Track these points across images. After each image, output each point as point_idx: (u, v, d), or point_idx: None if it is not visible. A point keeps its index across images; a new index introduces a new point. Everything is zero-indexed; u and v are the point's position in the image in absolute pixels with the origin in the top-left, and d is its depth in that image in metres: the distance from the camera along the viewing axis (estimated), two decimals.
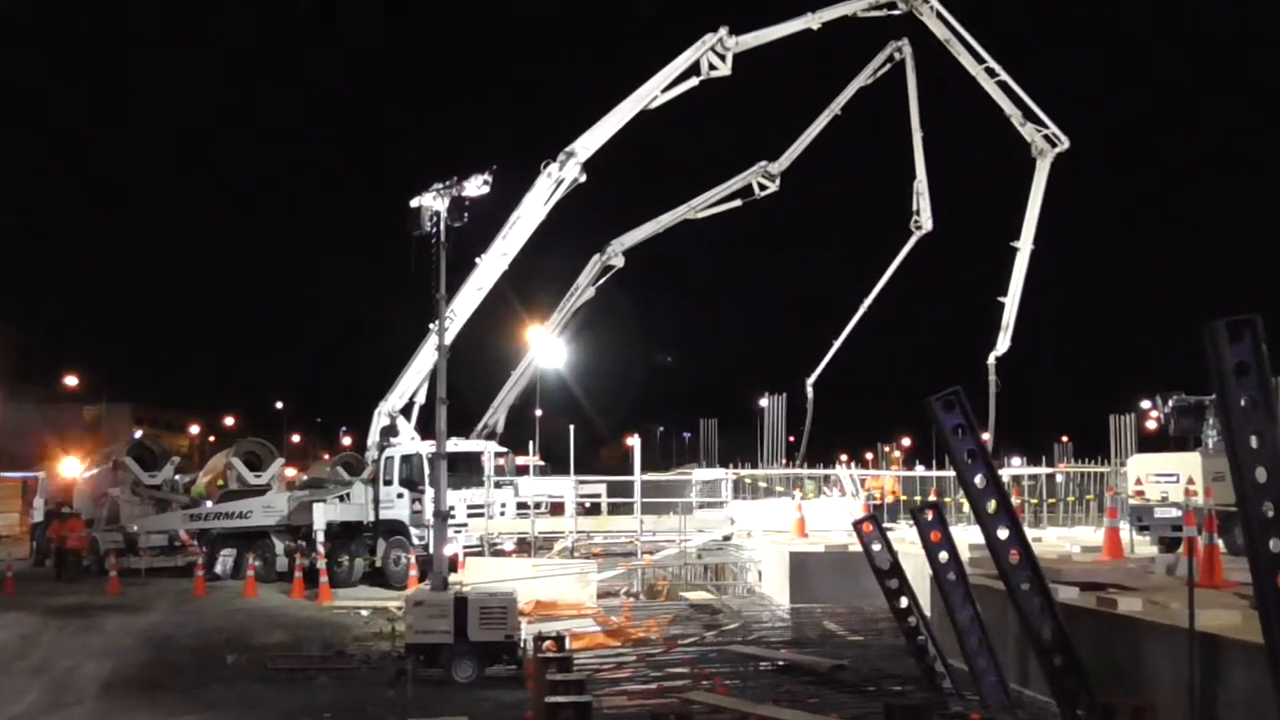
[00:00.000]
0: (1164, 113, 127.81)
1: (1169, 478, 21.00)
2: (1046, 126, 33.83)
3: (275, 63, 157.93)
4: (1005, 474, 31.52)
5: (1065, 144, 33.80)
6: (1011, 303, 34.86)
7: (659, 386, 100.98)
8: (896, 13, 34.50)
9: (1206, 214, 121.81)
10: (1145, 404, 35.57)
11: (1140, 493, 21.83)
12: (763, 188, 36.51)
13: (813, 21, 32.80)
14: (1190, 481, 20.03)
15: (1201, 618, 10.54)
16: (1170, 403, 22.62)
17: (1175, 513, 20.20)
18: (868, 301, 40.11)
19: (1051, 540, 24.74)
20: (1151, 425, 32.27)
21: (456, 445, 27.97)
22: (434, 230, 20.41)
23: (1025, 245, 34.58)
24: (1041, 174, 34.03)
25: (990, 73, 33.79)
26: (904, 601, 13.69)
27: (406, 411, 30.78)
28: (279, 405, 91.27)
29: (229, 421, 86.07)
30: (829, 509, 30.03)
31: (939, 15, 34.01)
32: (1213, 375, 7.68)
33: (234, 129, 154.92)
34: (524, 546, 26.32)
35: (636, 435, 28.48)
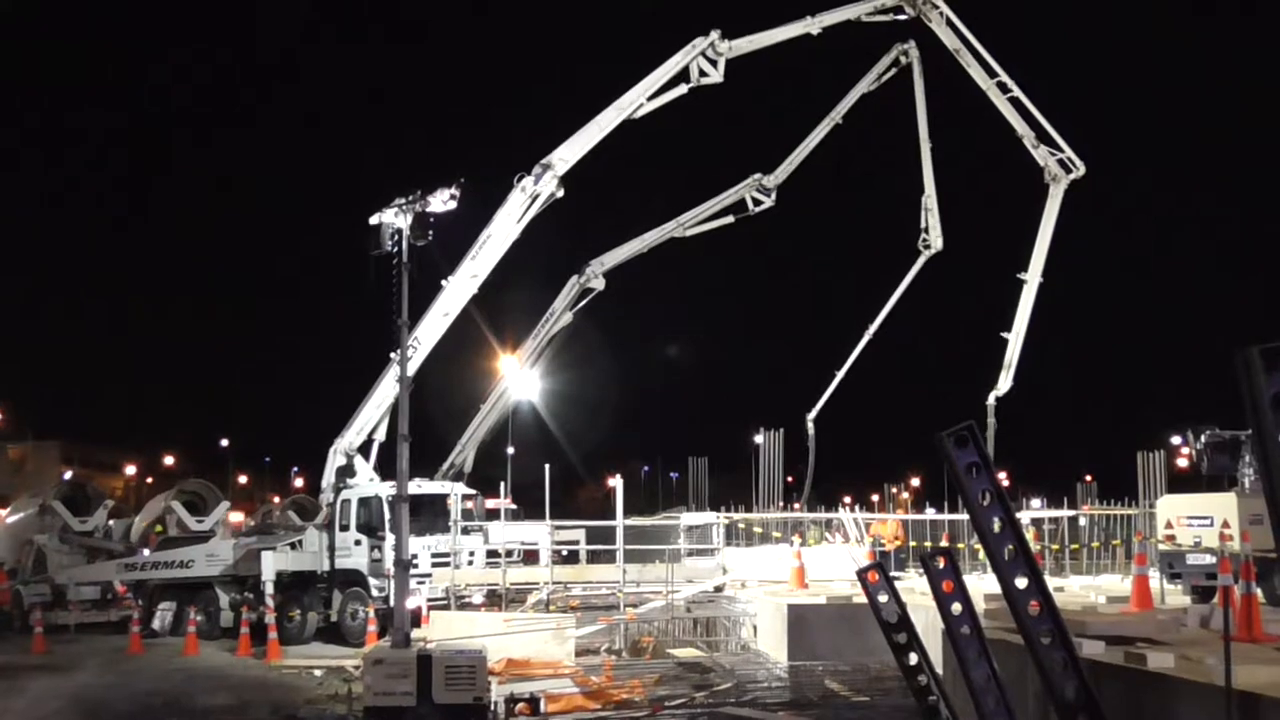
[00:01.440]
0: (1195, 130, 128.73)
1: (1202, 520, 21.07)
2: (1062, 150, 34.10)
3: (215, 67, 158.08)
4: (1024, 517, 31.64)
5: (1081, 170, 34.06)
6: (1016, 339, 35.09)
7: (645, 420, 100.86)
8: (902, 18, 34.81)
9: (1241, 235, 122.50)
10: (1175, 440, 35.84)
11: (1171, 537, 21.90)
12: (757, 203, 36.70)
13: (813, 26, 33.02)
14: (1225, 524, 20.12)
15: (1239, 674, 10.55)
16: (1203, 438, 22.75)
17: (1209, 559, 20.28)
18: (873, 328, 40.30)
19: (1075, 589, 24.77)
20: (1183, 463, 32.43)
21: (420, 487, 27.89)
22: (395, 250, 20.42)
23: (1033, 278, 34.82)
24: (1054, 202, 34.31)
25: (1003, 88, 34.06)
26: (913, 658, 13.64)
27: (365, 450, 30.69)
28: (224, 443, 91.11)
29: (168, 461, 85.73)
30: (831, 557, 30.01)
31: (949, 22, 34.29)
32: (1247, 408, 7.72)
33: (170, 147, 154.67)
34: (494, 599, 26.21)
35: (619, 475, 28.48)
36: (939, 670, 14.60)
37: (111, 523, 36.69)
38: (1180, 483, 30.49)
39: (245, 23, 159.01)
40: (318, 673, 22.92)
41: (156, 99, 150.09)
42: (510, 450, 44.40)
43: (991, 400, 35.29)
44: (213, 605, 29.81)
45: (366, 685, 15.75)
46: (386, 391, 29.54)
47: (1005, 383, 35.28)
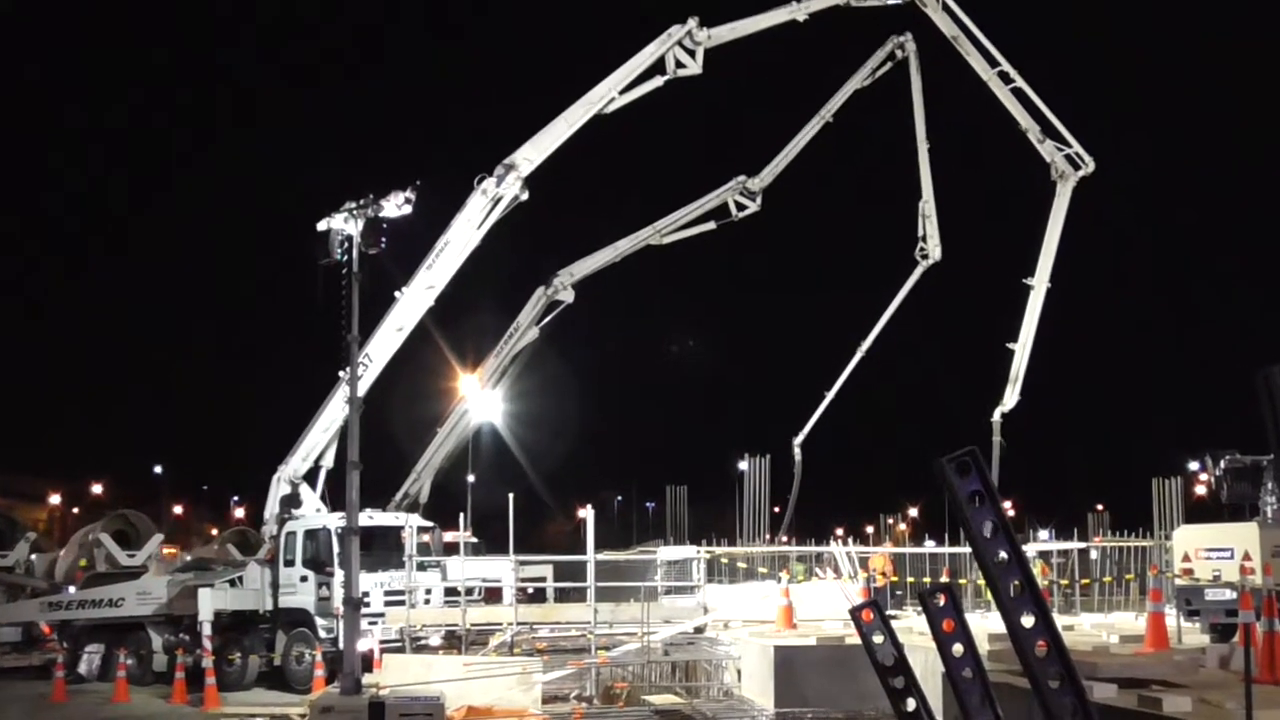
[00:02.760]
0: (1224, 127, 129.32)
1: (1222, 553, 21.19)
2: (1069, 145, 34.25)
3: (144, 59, 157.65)
4: (1031, 549, 31.73)
5: (1090, 167, 34.23)
6: (1022, 350, 35.22)
7: (619, 445, 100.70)
8: (895, 2, 34.93)
9: (1273, 243, 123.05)
10: (1193, 466, 36.05)
11: (1188, 570, 22.01)
12: (741, 207, 36.83)
13: (798, 12, 33.09)
14: (1246, 557, 20.25)
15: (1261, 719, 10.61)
16: (1222, 464, 22.89)
17: (1230, 594, 20.37)
18: (866, 344, 40.42)
19: (1085, 628, 24.86)
20: (1201, 491, 32.63)
21: (371, 518, 27.79)
22: (345, 259, 20.39)
23: (1040, 284, 34.94)
24: (1062, 200, 34.46)
25: (1005, 78, 34.21)
26: (911, 704, 13.62)
27: (311, 478, 30.60)
28: (157, 470, 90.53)
29: (96, 490, 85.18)
30: (821, 594, 30.02)
31: (945, 7, 34.46)
32: (1269, 431, 7.78)
33: (97, 143, 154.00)
34: (453, 641, 26.12)
35: (589, 506, 28.42)
36: (939, 717, 14.64)
37: (34, 557, 36.47)
38: (1198, 512, 30.70)
39: (193, 17, 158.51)
40: None
41: (81, 98, 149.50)
42: (470, 478, 44.38)
43: (997, 417, 35.38)
44: (145, 648, 29.58)
45: None
46: (335, 414, 29.45)
47: (1011, 398, 35.38)
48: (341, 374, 26.85)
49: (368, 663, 23.27)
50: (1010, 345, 35.43)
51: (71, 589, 33.16)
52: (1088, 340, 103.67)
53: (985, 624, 19.04)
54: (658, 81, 31.26)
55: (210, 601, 28.17)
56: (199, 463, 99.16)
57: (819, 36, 34.28)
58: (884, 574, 33.47)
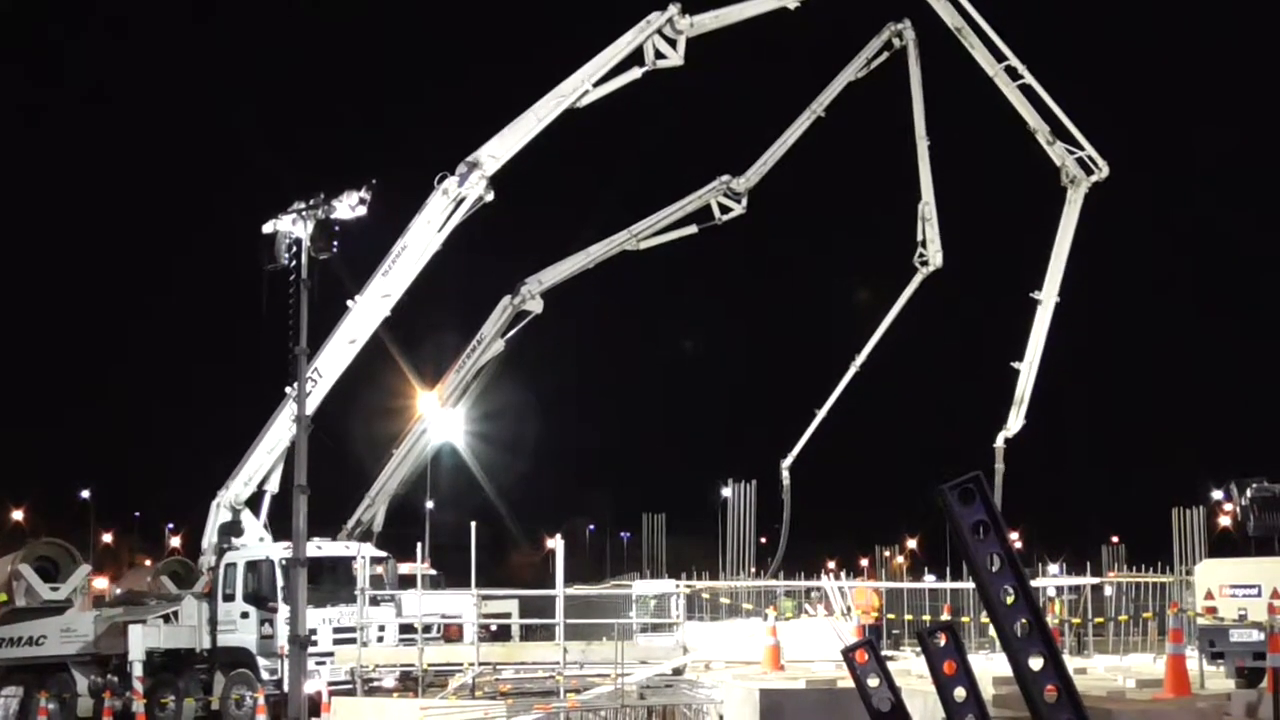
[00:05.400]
0: (1248, 126, 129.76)
1: (1249, 590, 21.25)
2: (1081, 148, 34.27)
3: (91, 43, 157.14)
4: (1040, 585, 31.82)
5: (1104, 172, 34.26)
6: (1028, 370, 35.23)
7: (591, 470, 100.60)
8: None
9: None
10: (1217, 495, 36.15)
11: (1212, 609, 22.06)
12: (725, 209, 36.86)
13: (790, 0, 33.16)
14: (1275, 594, 20.30)
15: None
16: (1249, 493, 22.93)
17: (1257, 635, 20.42)
18: (860, 359, 40.41)
19: (1099, 671, 24.94)
20: (1225, 522, 32.76)
21: (320, 548, 27.71)
22: (293, 264, 20.35)
23: (1049, 298, 34.96)
24: (1073, 208, 34.49)
25: (1012, 73, 34.24)
26: None
27: (254, 504, 30.49)
28: (84, 495, 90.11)
29: (16, 517, 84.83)
30: (812, 633, 30.05)
31: None
32: None
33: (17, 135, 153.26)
34: (409, 683, 26.05)
35: (559, 535, 28.41)
36: None
37: None
38: (1223, 545, 30.80)
39: None
40: None
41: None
42: (429, 505, 44.30)
43: (1000, 442, 35.38)
44: (68, 690, 29.48)
45: None
46: (281, 434, 29.35)
47: (1016, 421, 35.39)
48: (288, 390, 26.79)
49: (315, 706, 23.19)
50: (1015, 365, 35.46)
51: None
52: (1102, 357, 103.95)
53: (990, 666, 19.09)
54: (635, 73, 31.31)
55: (142, 639, 28.06)
56: (130, 487, 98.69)
57: (811, 25, 34.35)
58: (877, 610, 33.47)
